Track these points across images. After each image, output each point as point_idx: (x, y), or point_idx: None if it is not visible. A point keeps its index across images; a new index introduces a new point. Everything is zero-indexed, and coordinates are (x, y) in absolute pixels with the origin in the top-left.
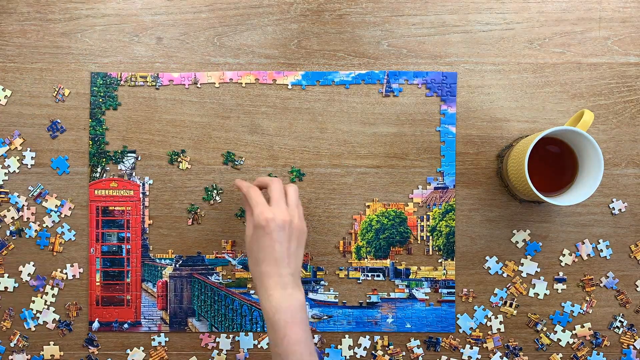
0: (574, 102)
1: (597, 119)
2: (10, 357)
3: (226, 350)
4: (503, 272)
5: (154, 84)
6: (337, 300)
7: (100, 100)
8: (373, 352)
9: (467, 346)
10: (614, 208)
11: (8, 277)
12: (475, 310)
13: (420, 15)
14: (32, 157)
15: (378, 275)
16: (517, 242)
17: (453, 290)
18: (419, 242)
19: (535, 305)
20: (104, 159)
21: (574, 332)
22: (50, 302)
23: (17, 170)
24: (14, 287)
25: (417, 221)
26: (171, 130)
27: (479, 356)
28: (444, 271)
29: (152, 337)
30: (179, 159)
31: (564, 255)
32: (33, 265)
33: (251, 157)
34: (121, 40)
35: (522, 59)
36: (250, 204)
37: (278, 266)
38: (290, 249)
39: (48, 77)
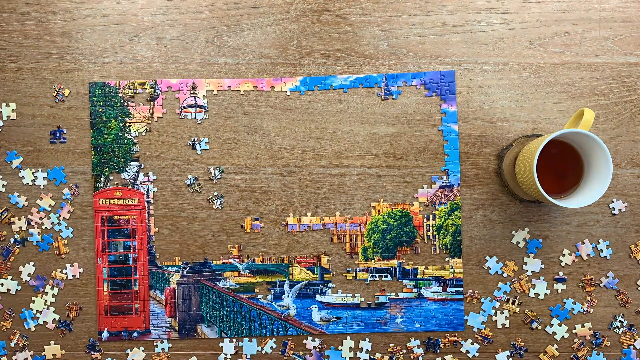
0: (574, 102)
1: (597, 119)
2: (14, 357)
3: (230, 355)
4: (503, 272)
5: (152, 90)
6: (345, 301)
7: (100, 109)
8: (372, 357)
9: (469, 341)
10: (614, 208)
11: (11, 279)
12: (482, 302)
13: (420, 15)
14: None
15: (386, 276)
16: (517, 242)
17: (461, 289)
18: (425, 241)
19: (536, 305)
20: (107, 169)
21: (574, 331)
22: (50, 302)
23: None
24: (17, 289)
25: (423, 220)
26: (171, 130)
27: (477, 354)
28: (452, 270)
29: (155, 344)
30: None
31: (564, 255)
32: (33, 265)
33: (251, 157)
34: (121, 40)
35: (522, 59)
36: None
37: None
38: None
39: (48, 77)
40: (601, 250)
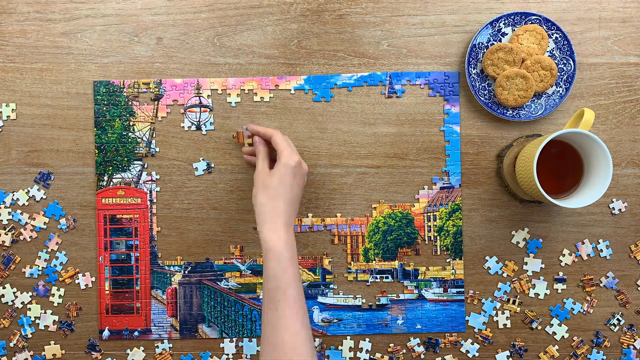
0: (574, 102)
1: (597, 119)
2: (13, 357)
3: (232, 354)
4: (503, 272)
5: (157, 90)
6: (346, 303)
7: (105, 108)
8: (372, 357)
9: (469, 341)
10: (614, 208)
11: (10, 286)
12: (484, 303)
13: (420, 15)
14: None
15: (387, 277)
16: (517, 242)
17: (462, 290)
18: (426, 242)
19: (536, 305)
20: (110, 167)
21: (574, 331)
22: (49, 304)
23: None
24: (14, 298)
25: (424, 221)
26: (171, 131)
27: (477, 354)
28: (453, 271)
29: (156, 345)
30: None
31: (564, 255)
32: (30, 267)
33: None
34: (121, 40)
35: None
36: (279, 148)
37: (294, 205)
38: (301, 192)
39: (48, 77)
40: (601, 250)
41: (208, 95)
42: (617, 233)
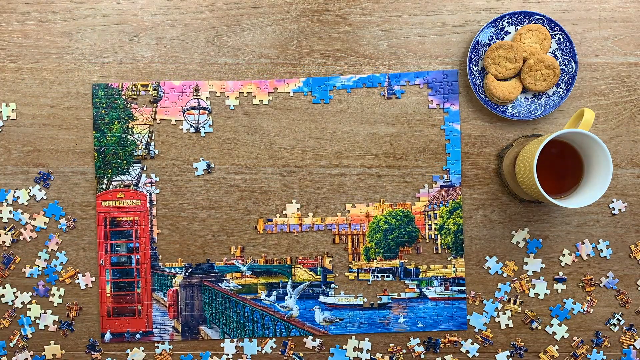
0: (574, 102)
1: (597, 119)
2: (13, 357)
3: (232, 354)
4: (503, 272)
5: (155, 92)
6: (348, 302)
7: (103, 111)
8: (373, 357)
9: (469, 341)
10: (614, 208)
11: (10, 286)
12: (485, 304)
13: (420, 15)
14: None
15: (388, 276)
16: (517, 242)
17: (464, 288)
18: (427, 241)
19: (536, 305)
20: (109, 170)
21: (574, 331)
22: (49, 304)
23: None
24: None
25: (425, 220)
26: (170, 132)
27: (477, 354)
28: (454, 269)
29: (156, 345)
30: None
31: (564, 255)
32: (30, 267)
33: (251, 157)
34: (121, 40)
35: None
36: None
37: None
38: None
39: (48, 77)
40: (601, 250)
41: (207, 97)
42: (617, 233)
